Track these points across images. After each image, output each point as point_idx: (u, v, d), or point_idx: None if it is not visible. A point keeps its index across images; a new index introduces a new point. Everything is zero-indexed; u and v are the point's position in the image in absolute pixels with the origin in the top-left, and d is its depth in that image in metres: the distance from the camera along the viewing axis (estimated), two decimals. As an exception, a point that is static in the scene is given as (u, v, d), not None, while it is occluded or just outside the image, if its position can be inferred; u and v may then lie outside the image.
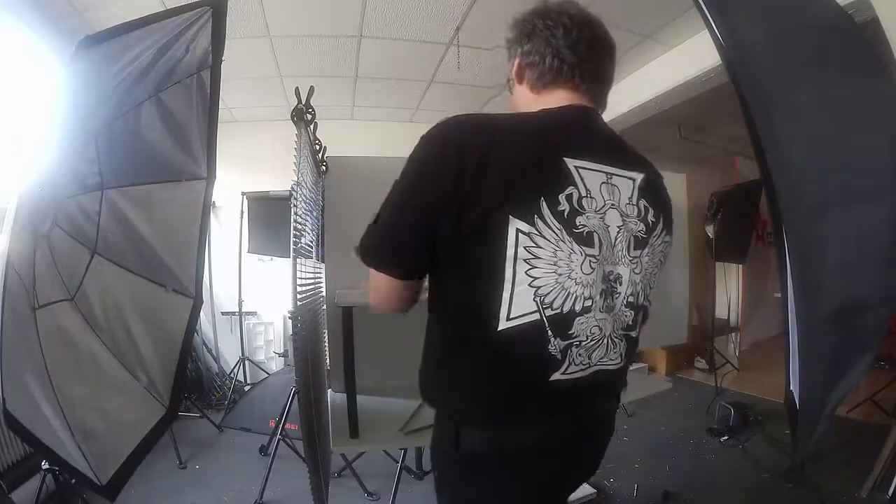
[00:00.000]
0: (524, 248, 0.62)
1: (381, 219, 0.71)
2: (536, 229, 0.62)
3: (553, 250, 0.64)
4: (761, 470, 2.43)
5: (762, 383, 3.63)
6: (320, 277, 1.83)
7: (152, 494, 2.29)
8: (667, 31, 2.75)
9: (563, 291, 0.65)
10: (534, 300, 0.64)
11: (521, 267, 0.63)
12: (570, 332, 0.67)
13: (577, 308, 0.67)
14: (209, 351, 4.00)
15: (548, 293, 0.64)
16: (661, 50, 2.94)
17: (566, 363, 0.68)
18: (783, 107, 0.79)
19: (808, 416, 0.86)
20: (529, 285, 0.64)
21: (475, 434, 0.72)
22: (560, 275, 0.64)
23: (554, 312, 0.65)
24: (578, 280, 0.66)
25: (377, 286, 0.75)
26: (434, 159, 0.66)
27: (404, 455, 2.24)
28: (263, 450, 2.78)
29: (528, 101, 0.78)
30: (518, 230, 0.62)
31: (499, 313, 0.64)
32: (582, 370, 0.70)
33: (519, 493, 0.75)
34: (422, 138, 0.69)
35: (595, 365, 0.72)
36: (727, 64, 0.76)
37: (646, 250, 0.74)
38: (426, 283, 0.77)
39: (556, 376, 0.68)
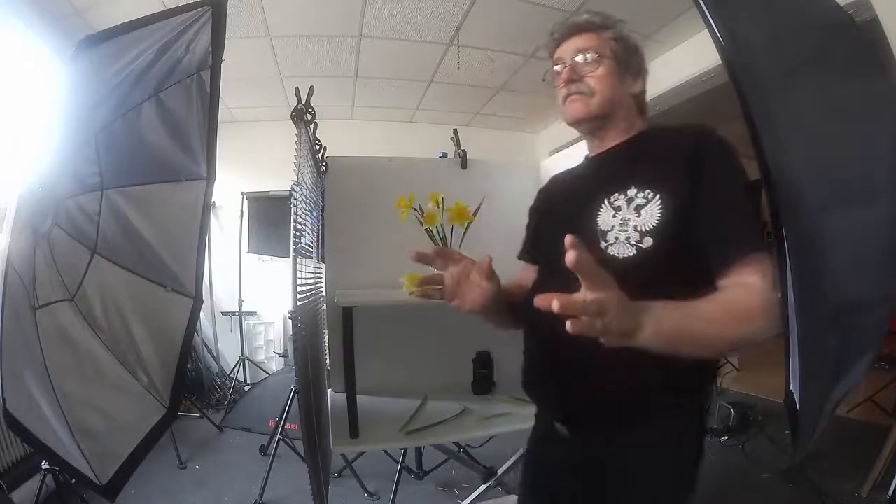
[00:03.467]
0: None
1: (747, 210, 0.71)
2: None
3: None
4: (761, 470, 2.43)
5: (762, 383, 3.63)
6: (320, 277, 1.83)
7: (152, 494, 2.29)
8: (667, 31, 2.75)
9: None
10: None
11: None
12: None
13: None
14: (209, 351, 4.00)
15: None
16: (661, 50, 2.94)
17: None
18: (783, 107, 0.79)
19: (808, 416, 0.86)
20: None
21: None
22: None
23: None
24: None
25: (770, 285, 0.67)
26: None
27: (404, 455, 2.24)
28: (263, 450, 2.78)
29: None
30: None
31: None
32: None
33: None
34: (731, 147, 0.75)
35: None
36: (727, 64, 0.76)
37: None
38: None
39: None
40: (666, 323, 0.56)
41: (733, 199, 0.71)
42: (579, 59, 0.83)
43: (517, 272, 1.04)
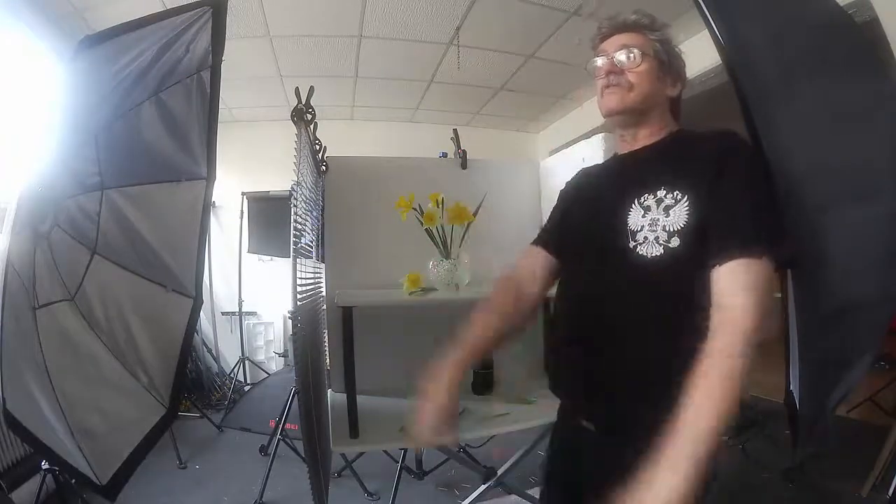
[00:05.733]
0: None
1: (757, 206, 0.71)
2: None
3: None
4: (761, 470, 2.43)
5: (762, 383, 3.62)
6: (320, 277, 1.83)
7: (152, 494, 2.29)
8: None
9: None
10: None
11: None
12: None
13: None
14: (209, 351, 4.00)
15: None
16: (661, 50, 2.93)
17: None
18: (783, 107, 0.79)
19: (808, 416, 0.87)
20: None
21: None
22: None
23: None
24: None
25: (766, 288, 0.67)
26: None
27: (404, 455, 2.24)
28: (263, 450, 2.78)
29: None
30: None
31: None
32: None
33: None
34: (752, 149, 0.76)
35: None
36: (727, 64, 0.76)
37: None
38: None
39: None
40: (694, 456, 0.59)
41: (743, 196, 0.72)
42: (623, 53, 0.85)
43: (518, 258, 1.03)
